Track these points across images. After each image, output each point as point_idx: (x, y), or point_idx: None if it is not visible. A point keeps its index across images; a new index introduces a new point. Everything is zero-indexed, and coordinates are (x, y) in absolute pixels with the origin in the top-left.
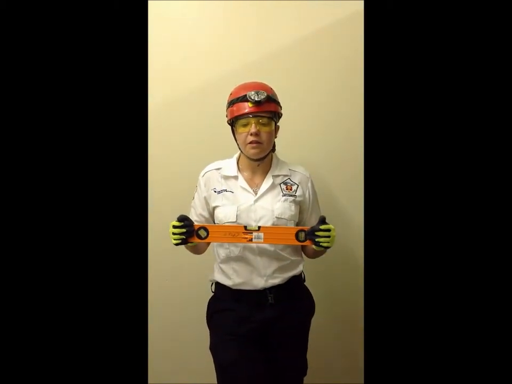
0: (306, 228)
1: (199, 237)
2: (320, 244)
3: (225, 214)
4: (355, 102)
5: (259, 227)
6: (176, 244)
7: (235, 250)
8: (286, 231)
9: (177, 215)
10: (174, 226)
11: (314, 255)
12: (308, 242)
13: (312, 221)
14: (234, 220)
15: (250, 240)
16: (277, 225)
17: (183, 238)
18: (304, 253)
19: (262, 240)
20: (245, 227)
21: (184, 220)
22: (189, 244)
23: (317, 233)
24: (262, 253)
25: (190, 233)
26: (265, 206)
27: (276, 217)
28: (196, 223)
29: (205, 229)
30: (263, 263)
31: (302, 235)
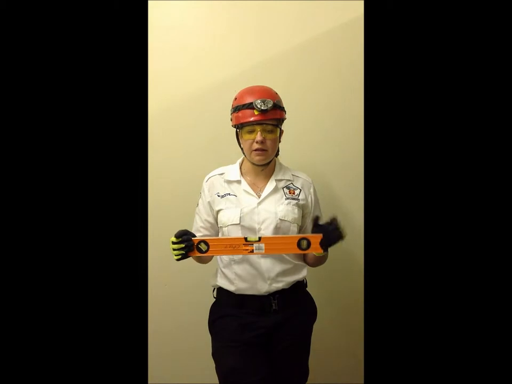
0: (308, 235)
1: (200, 251)
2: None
3: (229, 217)
4: (355, 105)
5: (259, 238)
6: (178, 260)
7: None
8: (287, 240)
9: (177, 222)
10: (173, 243)
11: (316, 262)
12: (310, 250)
13: None
14: (238, 222)
15: (252, 251)
16: (280, 227)
17: (183, 253)
18: (305, 261)
19: (263, 251)
20: (245, 238)
21: (183, 235)
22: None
23: (330, 235)
24: (265, 255)
25: (190, 248)
26: (269, 208)
27: (280, 219)
28: (196, 237)
29: (205, 242)
30: (266, 266)
31: (304, 243)
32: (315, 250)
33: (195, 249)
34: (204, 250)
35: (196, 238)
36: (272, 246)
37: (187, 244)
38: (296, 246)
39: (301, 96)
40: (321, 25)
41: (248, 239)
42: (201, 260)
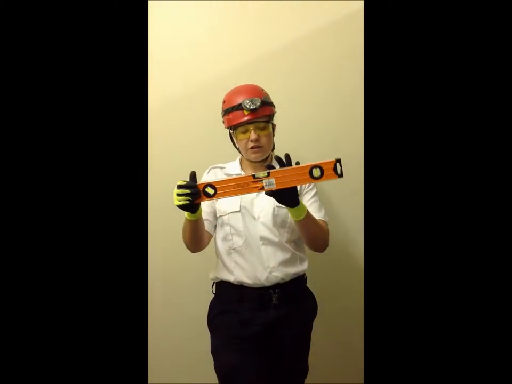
0: (320, 162)
1: (207, 195)
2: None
3: (229, 205)
4: (355, 101)
5: (268, 173)
6: (182, 207)
7: (239, 240)
8: (299, 171)
9: (177, 216)
10: (179, 186)
11: (304, 234)
12: (324, 178)
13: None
14: (238, 210)
15: (262, 188)
16: (278, 214)
17: (189, 200)
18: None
19: (274, 186)
20: (253, 175)
21: (187, 182)
22: (193, 215)
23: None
24: (266, 243)
25: (196, 195)
26: (267, 198)
27: (276, 206)
28: (200, 183)
29: (212, 186)
30: (267, 254)
31: (317, 171)
32: (329, 177)
33: (202, 195)
34: (211, 194)
35: (200, 183)
36: (283, 179)
37: (193, 191)
38: (309, 176)
39: (299, 91)
40: (322, 18)
41: (256, 175)
42: (196, 233)
